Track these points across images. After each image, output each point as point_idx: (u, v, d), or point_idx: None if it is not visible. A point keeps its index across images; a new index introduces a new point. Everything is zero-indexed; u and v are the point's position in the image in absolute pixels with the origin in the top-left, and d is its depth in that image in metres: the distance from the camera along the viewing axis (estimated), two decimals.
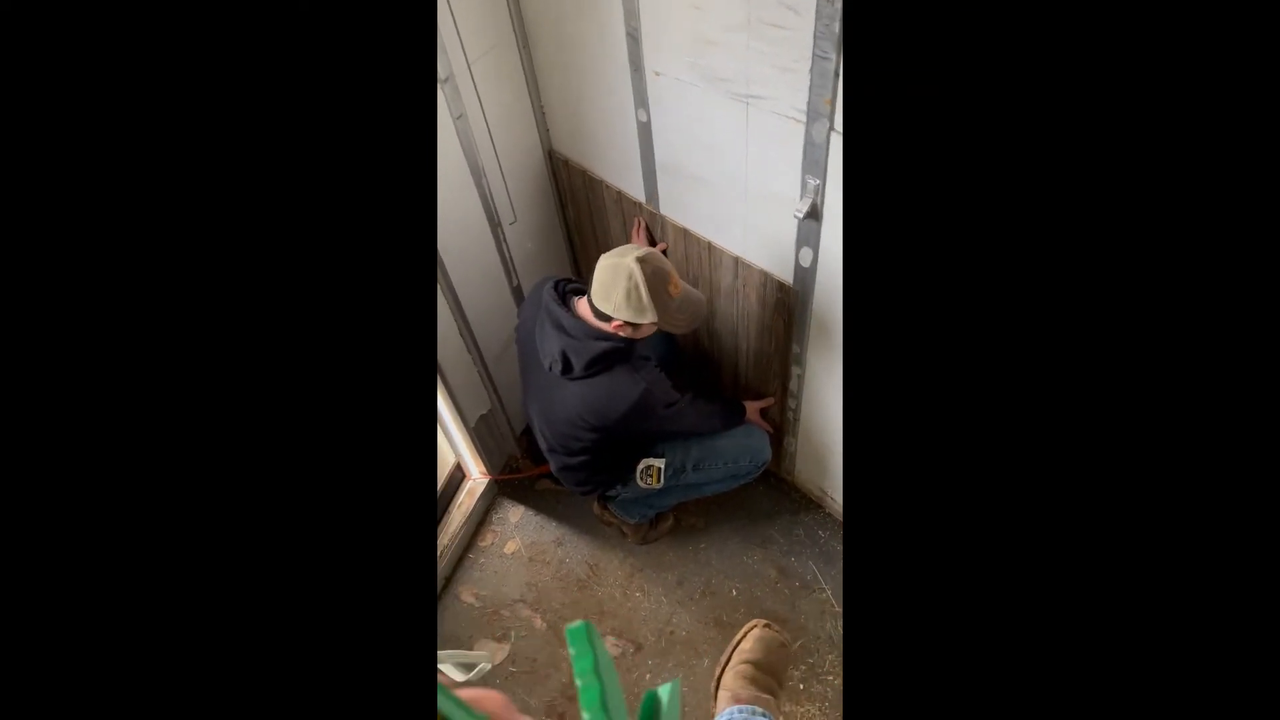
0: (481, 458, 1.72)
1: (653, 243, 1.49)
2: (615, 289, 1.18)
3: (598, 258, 1.22)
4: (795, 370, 1.40)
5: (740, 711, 0.81)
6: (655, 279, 1.18)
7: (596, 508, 1.66)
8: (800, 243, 1.18)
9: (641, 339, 1.28)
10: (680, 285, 1.23)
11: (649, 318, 1.19)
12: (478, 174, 1.39)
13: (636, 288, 1.17)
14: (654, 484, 1.42)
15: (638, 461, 1.41)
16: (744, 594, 1.60)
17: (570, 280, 1.35)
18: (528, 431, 1.82)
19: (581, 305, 1.27)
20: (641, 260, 1.17)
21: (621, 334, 1.23)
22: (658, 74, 1.21)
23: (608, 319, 1.22)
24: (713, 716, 0.86)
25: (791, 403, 1.48)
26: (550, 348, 1.27)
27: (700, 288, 1.48)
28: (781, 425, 1.57)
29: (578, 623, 0.30)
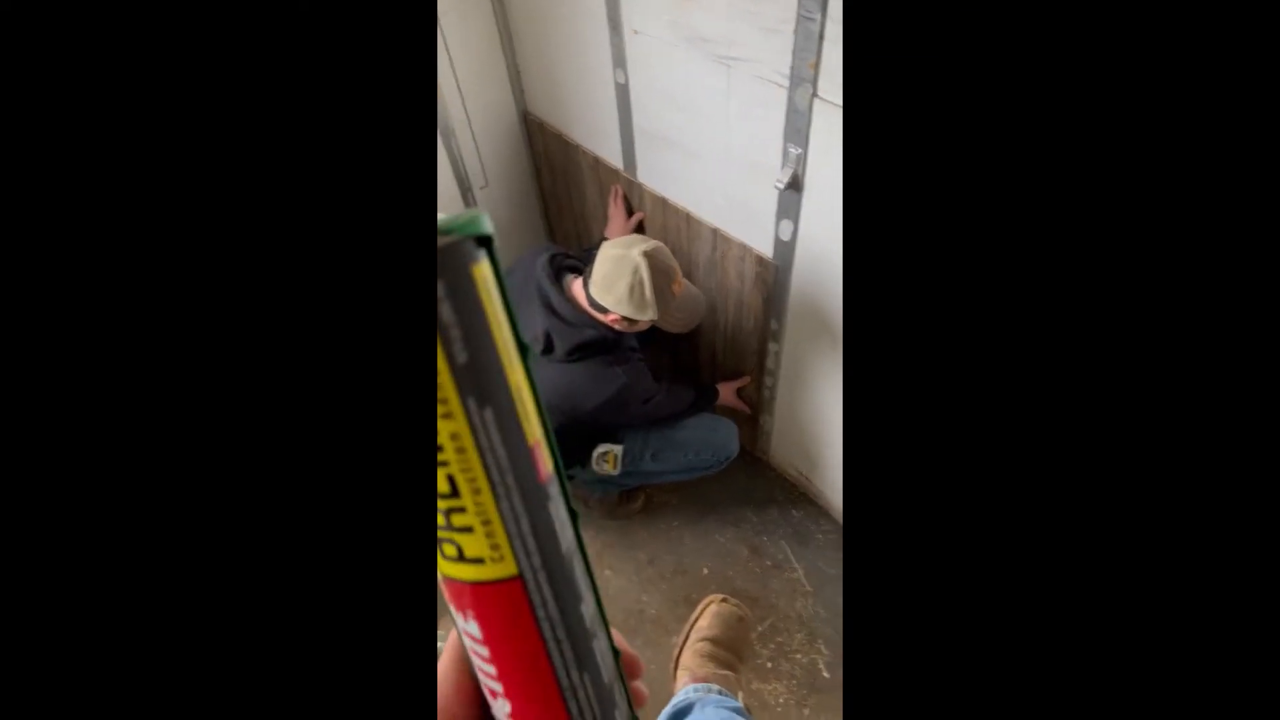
0: None
1: (630, 212, 1.43)
2: (618, 282, 1.12)
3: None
4: (773, 347, 1.36)
5: (696, 690, 0.79)
6: (660, 276, 1.13)
7: None
8: (780, 215, 1.13)
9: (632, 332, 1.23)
10: (683, 283, 1.18)
11: (649, 315, 1.14)
12: (446, 135, 1.32)
13: (641, 283, 1.11)
14: (609, 470, 1.38)
15: (596, 445, 1.38)
16: (715, 572, 1.58)
17: (568, 255, 1.29)
18: None
19: (576, 287, 1.21)
20: (648, 255, 1.12)
21: (616, 327, 1.18)
22: (636, 32, 1.14)
23: (604, 311, 1.16)
24: (673, 694, 0.84)
25: (769, 380, 1.45)
26: (533, 324, 1.21)
27: (678, 259, 1.43)
28: (758, 404, 1.53)
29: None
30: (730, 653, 0.88)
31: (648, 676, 1.35)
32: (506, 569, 0.22)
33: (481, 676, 0.24)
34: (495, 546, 0.21)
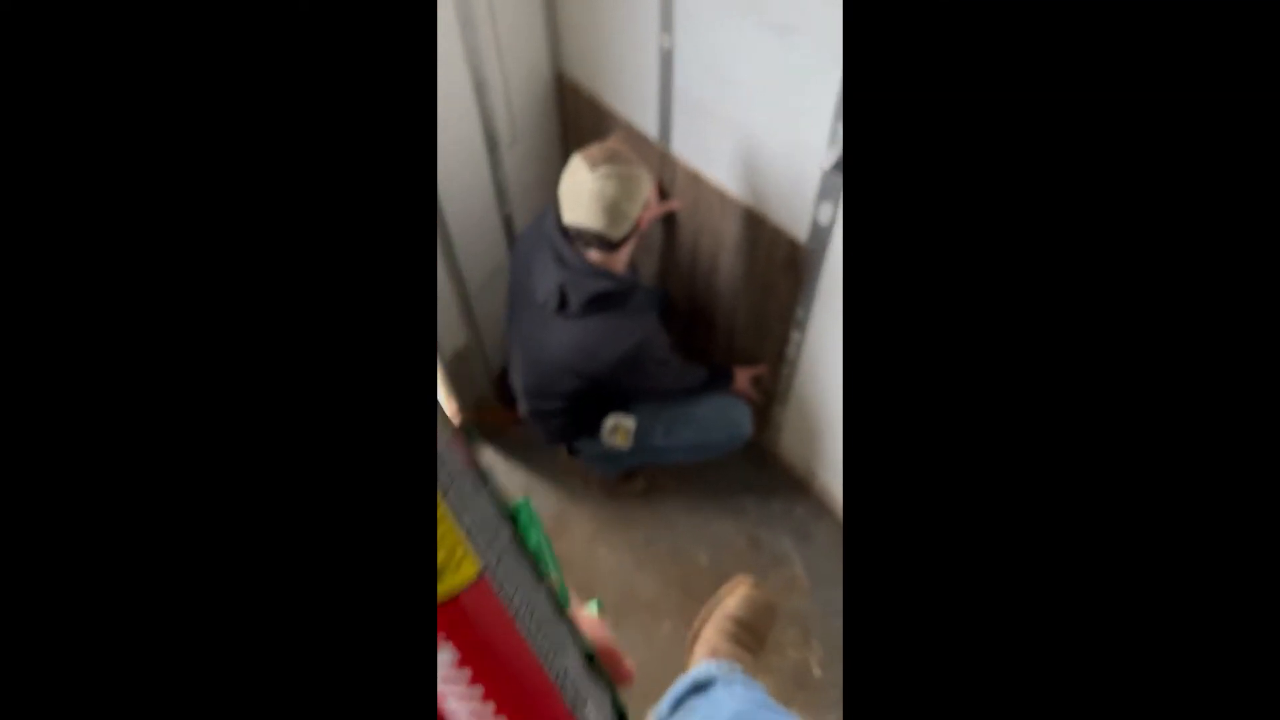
0: (452, 395, 1.63)
1: (664, 196, 1.39)
2: (619, 202, 1.11)
3: None
4: (795, 335, 1.33)
5: (719, 667, 0.76)
6: (615, 156, 1.12)
7: (564, 453, 1.60)
8: (821, 197, 1.10)
9: (643, 282, 1.21)
10: (613, 142, 1.19)
11: (646, 175, 1.15)
12: (480, 89, 1.28)
13: (623, 177, 1.11)
14: (620, 443, 1.35)
15: (608, 416, 1.35)
16: (712, 561, 1.55)
17: None
18: (503, 374, 1.74)
19: (590, 254, 1.19)
20: (594, 167, 1.11)
21: (643, 224, 1.19)
22: None
23: (633, 230, 1.16)
24: (686, 667, 0.81)
25: (786, 370, 1.42)
26: (547, 281, 1.19)
27: (705, 238, 1.39)
28: (772, 393, 1.50)
29: (522, 498, 0.27)
30: (753, 637, 0.85)
31: (640, 663, 1.32)
32: (469, 570, 0.21)
33: (468, 711, 0.22)
34: (452, 550, 0.20)
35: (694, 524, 1.60)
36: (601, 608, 0.36)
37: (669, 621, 1.47)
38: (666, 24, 1.17)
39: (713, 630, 0.83)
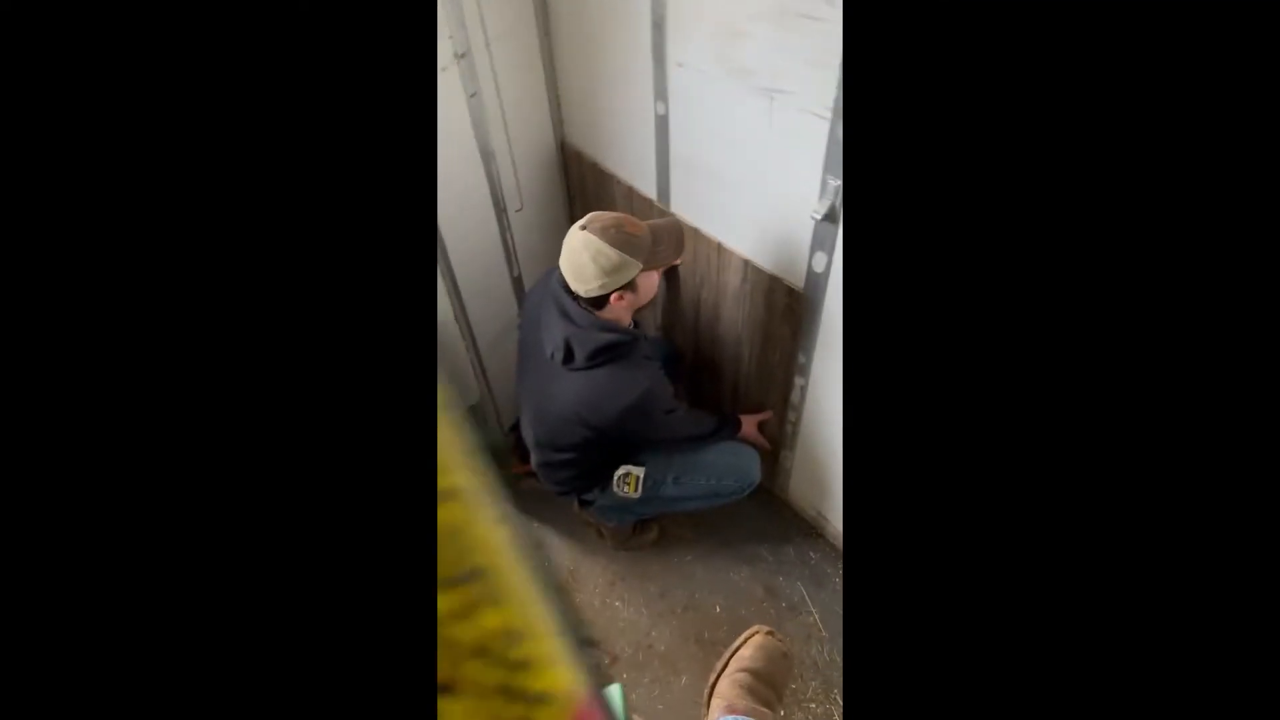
0: None
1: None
2: (585, 269, 1.15)
3: None
4: (799, 381, 1.35)
5: None
6: (609, 233, 1.15)
7: (576, 506, 1.61)
8: (815, 247, 1.14)
9: (648, 334, 1.24)
10: (640, 223, 1.20)
11: (633, 269, 1.17)
12: (487, 156, 1.35)
13: (599, 252, 1.14)
14: (630, 493, 1.37)
15: (618, 467, 1.37)
16: (728, 611, 1.54)
17: None
18: (516, 427, 1.76)
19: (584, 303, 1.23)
20: (584, 226, 1.16)
21: (624, 304, 1.20)
22: (680, 65, 1.18)
23: (604, 301, 1.19)
24: None
25: (792, 415, 1.43)
26: (554, 335, 1.23)
27: (707, 290, 1.44)
28: (779, 439, 1.52)
29: (614, 686, 0.26)
30: (770, 689, 0.84)
31: (658, 717, 1.30)
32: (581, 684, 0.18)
33: None
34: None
35: (709, 574, 1.59)
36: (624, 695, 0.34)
37: (686, 675, 1.45)
38: (660, 92, 1.24)
39: (728, 684, 0.82)
